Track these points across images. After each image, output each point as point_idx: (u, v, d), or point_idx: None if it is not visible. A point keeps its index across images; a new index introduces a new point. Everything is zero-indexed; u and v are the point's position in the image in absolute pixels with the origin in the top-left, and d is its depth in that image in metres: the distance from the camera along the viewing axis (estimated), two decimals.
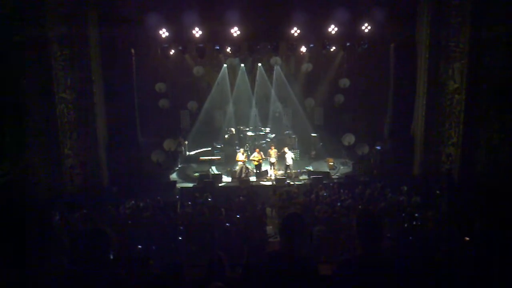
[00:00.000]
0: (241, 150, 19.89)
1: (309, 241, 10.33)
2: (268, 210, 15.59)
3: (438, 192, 14.84)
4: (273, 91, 24.19)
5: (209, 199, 15.29)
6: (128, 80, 18.67)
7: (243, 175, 19.21)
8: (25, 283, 5.18)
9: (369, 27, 18.04)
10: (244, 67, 24.02)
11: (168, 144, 20.45)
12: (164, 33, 17.69)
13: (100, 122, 17.07)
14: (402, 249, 9.57)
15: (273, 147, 19.74)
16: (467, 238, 9.14)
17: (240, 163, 19.34)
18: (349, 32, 18.46)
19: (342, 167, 21.27)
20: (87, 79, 16.23)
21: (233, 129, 23.70)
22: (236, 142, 23.18)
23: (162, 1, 17.10)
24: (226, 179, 19.52)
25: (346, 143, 21.22)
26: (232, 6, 17.16)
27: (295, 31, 18.05)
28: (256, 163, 19.19)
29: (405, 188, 15.21)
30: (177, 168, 21.45)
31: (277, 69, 23.71)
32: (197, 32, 17.73)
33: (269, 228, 13.38)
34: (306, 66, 23.31)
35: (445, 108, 16.49)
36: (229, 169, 20.42)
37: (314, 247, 10.37)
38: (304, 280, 3.86)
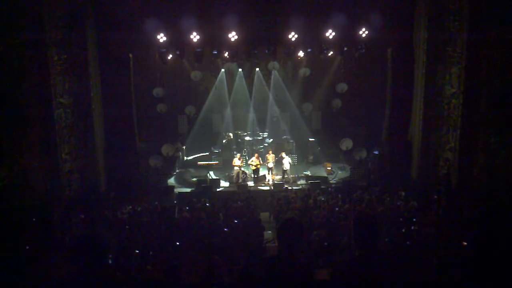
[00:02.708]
0: (238, 155, 19.87)
1: (307, 246, 10.35)
2: (266, 215, 15.59)
3: (436, 196, 14.86)
4: (270, 96, 24.21)
5: (207, 204, 15.28)
6: (126, 85, 18.67)
7: (240, 180, 19.21)
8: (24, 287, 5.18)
9: (366, 32, 18.07)
10: (241, 72, 24.05)
11: (166, 149, 20.43)
12: (162, 37, 17.70)
13: (98, 127, 17.05)
14: (400, 253, 9.58)
15: (270, 152, 19.72)
16: (465, 243, 9.15)
17: (236, 168, 19.33)
18: (347, 36, 18.49)
19: (340, 172, 21.27)
20: (85, 83, 16.23)
21: (230, 134, 23.70)
22: (234, 147, 23.18)
23: (160, 6, 17.11)
24: (224, 184, 19.50)
25: (344, 148, 21.22)
26: (229, 10, 17.18)
27: (292, 36, 18.09)
28: (254, 168, 19.17)
29: (403, 193, 15.23)
30: (175, 173, 21.42)
31: (274, 73, 23.73)
32: (195, 37, 17.76)
33: (267, 233, 13.38)
34: (304, 71, 23.34)
35: (442, 112, 16.52)
36: (227, 174, 20.41)
37: (312, 251, 10.37)
38: (301, 285, 3.86)
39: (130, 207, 15.13)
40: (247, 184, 18.81)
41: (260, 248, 11.62)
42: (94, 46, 16.71)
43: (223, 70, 23.64)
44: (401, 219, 12.56)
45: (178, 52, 19.01)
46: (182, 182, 20.28)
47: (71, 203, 15.19)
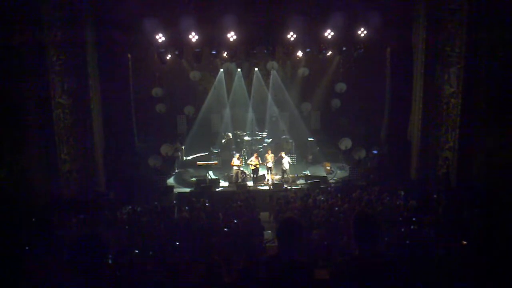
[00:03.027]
0: (237, 155, 19.87)
1: (306, 245, 10.34)
2: (266, 215, 15.59)
3: (435, 196, 14.86)
4: (269, 96, 24.21)
5: (207, 204, 15.27)
6: (124, 85, 18.69)
7: (239, 179, 19.20)
8: None
9: (365, 32, 18.08)
10: (240, 72, 24.04)
11: (165, 149, 20.43)
12: (160, 37, 17.70)
13: (97, 127, 17.04)
14: (399, 252, 9.58)
15: (270, 152, 19.73)
16: (465, 242, 9.16)
17: (235, 167, 19.32)
18: (345, 36, 18.52)
19: (339, 172, 21.27)
20: (83, 84, 16.21)
21: (230, 134, 23.70)
22: (233, 146, 23.17)
23: (159, 6, 17.10)
24: (223, 184, 19.50)
25: (343, 148, 21.22)
26: (228, 10, 17.18)
27: (291, 36, 18.10)
28: (253, 167, 19.17)
29: (402, 192, 15.23)
30: (174, 173, 21.40)
31: (273, 73, 23.72)
32: (193, 37, 17.77)
33: (267, 233, 13.38)
34: (303, 71, 23.33)
35: (441, 112, 16.51)
36: (226, 174, 20.41)
37: (311, 251, 10.37)
38: (300, 285, 3.86)
39: (130, 207, 15.12)
40: (247, 184, 18.81)
41: (260, 248, 11.62)
42: (93, 46, 16.69)
43: (222, 70, 23.62)
44: (400, 219, 12.56)
45: (177, 52, 19.02)
46: (182, 182, 20.27)
47: (70, 203, 15.18)
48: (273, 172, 19.57)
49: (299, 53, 21.15)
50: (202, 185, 18.49)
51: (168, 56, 19.85)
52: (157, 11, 17.12)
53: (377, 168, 19.66)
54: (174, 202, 17.12)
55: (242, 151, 21.84)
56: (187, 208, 14.84)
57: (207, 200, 15.66)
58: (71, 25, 15.57)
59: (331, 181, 19.76)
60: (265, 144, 23.13)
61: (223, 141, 23.53)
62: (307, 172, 20.83)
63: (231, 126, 24.23)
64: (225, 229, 12.43)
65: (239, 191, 17.53)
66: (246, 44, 18.76)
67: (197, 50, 18.77)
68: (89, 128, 16.57)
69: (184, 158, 23.54)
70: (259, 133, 24.05)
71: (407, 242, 10.33)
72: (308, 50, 19.99)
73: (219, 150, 23.00)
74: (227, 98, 24.24)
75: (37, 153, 15.28)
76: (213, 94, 23.97)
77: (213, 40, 18.45)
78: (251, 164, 19.20)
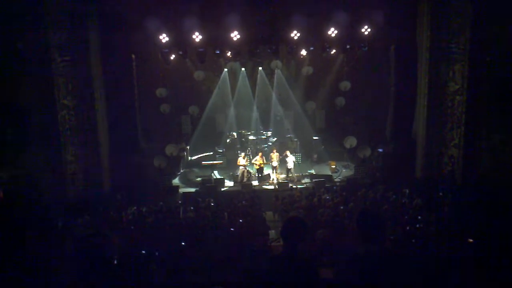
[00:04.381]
0: (242, 154, 19.89)
1: (311, 244, 10.33)
2: (271, 214, 15.58)
3: (440, 193, 14.80)
4: (274, 95, 24.19)
5: (212, 204, 15.27)
6: (129, 86, 18.69)
7: (244, 179, 19.20)
8: None
9: (369, 30, 18.03)
10: (244, 71, 24.04)
11: (170, 149, 20.44)
12: (164, 38, 17.71)
13: (102, 128, 17.07)
14: (405, 251, 9.55)
15: (275, 151, 19.72)
16: (471, 240, 9.11)
17: (241, 167, 19.32)
18: (349, 34, 18.45)
19: (344, 170, 21.25)
20: (88, 85, 16.25)
21: (234, 134, 23.71)
22: (238, 146, 23.19)
23: (162, 6, 17.10)
24: (228, 183, 19.52)
25: (348, 146, 21.17)
26: (232, 10, 17.17)
27: (295, 35, 18.07)
28: (257, 167, 19.17)
29: (407, 191, 15.17)
30: (179, 173, 21.45)
31: (277, 72, 23.70)
32: (197, 37, 17.76)
33: (272, 233, 13.36)
34: (307, 69, 23.25)
35: (446, 109, 16.47)
36: (231, 173, 20.42)
37: (316, 250, 10.35)
38: (305, 284, 3.85)
39: (135, 207, 15.13)
40: (252, 184, 18.81)
41: (265, 247, 11.60)
42: (96, 47, 16.71)
43: (226, 69, 23.63)
44: (406, 217, 12.52)
45: (180, 52, 19.04)
46: (187, 182, 20.30)
47: (75, 204, 15.21)
48: (278, 171, 19.57)
49: (303, 52, 21.15)
50: (207, 185, 18.52)
51: (172, 56, 19.88)
52: (160, 11, 17.13)
53: (382, 167, 19.62)
54: (180, 202, 17.11)
55: (247, 151, 21.86)
56: (192, 208, 14.84)
57: (212, 200, 15.67)
58: (74, 26, 15.63)
59: (336, 179, 19.72)
60: (270, 143, 23.15)
61: (227, 140, 23.56)
62: (312, 171, 20.82)
63: (235, 125, 24.26)
64: (230, 228, 12.42)
65: (244, 190, 17.52)
66: (250, 43, 18.74)
67: (201, 50, 18.76)
68: (93, 129, 16.61)
69: (189, 158, 23.58)
70: (264, 132, 24.08)
71: (413, 240, 10.30)
72: (312, 48, 19.96)
73: (224, 149, 23.04)
74: (231, 98, 24.26)
75: (42, 154, 15.32)
76: (217, 93, 23.97)
77: (216, 40, 18.43)
78: (255, 164, 19.21)
